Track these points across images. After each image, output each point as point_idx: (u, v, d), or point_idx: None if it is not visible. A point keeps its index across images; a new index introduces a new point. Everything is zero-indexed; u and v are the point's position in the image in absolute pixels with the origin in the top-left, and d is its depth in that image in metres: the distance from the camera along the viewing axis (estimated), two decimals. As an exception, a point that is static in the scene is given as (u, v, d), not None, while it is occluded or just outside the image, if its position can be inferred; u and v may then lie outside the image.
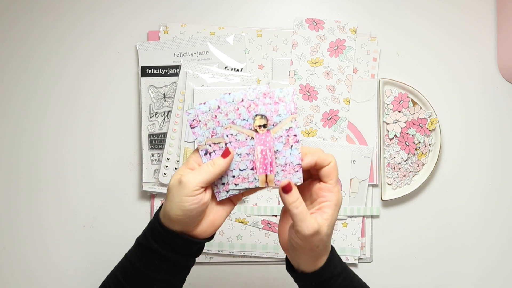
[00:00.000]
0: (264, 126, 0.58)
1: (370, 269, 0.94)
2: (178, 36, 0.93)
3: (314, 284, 0.61)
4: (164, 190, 0.91)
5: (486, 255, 0.96)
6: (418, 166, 0.94)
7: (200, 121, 0.59)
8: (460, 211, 0.96)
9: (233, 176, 0.59)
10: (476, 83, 0.97)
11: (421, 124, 0.94)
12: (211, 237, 0.62)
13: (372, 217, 0.94)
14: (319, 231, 0.56)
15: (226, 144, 0.59)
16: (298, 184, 0.58)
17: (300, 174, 0.59)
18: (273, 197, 0.92)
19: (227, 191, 0.60)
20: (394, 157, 0.94)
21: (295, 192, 0.57)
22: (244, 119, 0.58)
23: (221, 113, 0.58)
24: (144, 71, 0.92)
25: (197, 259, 0.93)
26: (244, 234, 0.92)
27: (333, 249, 0.62)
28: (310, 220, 0.56)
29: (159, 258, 0.59)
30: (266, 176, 0.59)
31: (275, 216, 0.92)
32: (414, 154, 0.94)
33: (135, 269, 0.60)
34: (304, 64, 0.93)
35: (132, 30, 0.94)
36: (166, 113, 0.92)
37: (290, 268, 0.63)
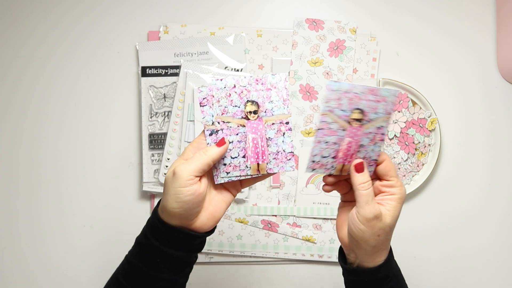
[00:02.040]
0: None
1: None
2: (178, 36, 0.93)
3: (368, 280, 0.61)
4: (164, 190, 0.91)
5: (485, 255, 0.96)
6: (418, 166, 0.94)
7: (209, 100, 0.58)
8: (460, 211, 0.96)
9: (225, 164, 0.59)
10: (475, 83, 0.97)
11: (420, 124, 0.94)
12: (211, 231, 0.61)
13: (372, 217, 0.94)
14: (381, 217, 0.57)
15: (318, 129, 0.57)
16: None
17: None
18: (273, 197, 0.92)
19: (245, 175, 0.59)
20: (394, 157, 0.94)
21: (366, 174, 0.59)
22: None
23: (235, 92, 0.58)
24: (144, 71, 0.92)
25: (197, 259, 0.93)
26: (244, 234, 0.92)
27: (391, 250, 0.63)
28: (375, 204, 0.57)
29: (160, 255, 0.58)
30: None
31: (275, 216, 0.92)
32: (414, 154, 0.94)
33: (137, 270, 0.59)
34: (304, 64, 0.93)
35: (132, 30, 0.94)
36: (166, 113, 0.92)
37: (343, 260, 0.63)
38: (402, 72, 0.95)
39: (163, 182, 0.59)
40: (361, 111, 0.57)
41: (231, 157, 0.59)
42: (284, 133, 0.59)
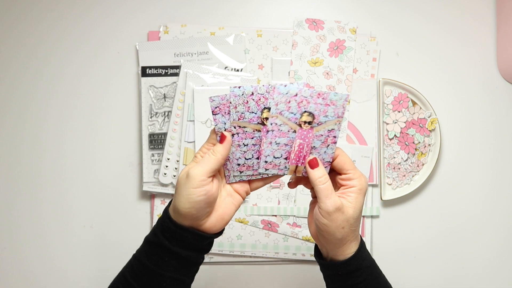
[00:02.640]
0: (309, 123, 0.60)
1: (370, 269, 0.94)
2: (178, 36, 0.93)
3: (341, 273, 0.62)
4: (164, 190, 0.91)
5: (485, 255, 0.96)
6: (417, 166, 0.94)
7: (221, 109, 0.60)
8: (460, 211, 0.96)
9: (238, 165, 0.61)
10: (475, 83, 0.97)
11: (420, 124, 0.94)
12: (220, 232, 0.63)
13: (372, 217, 0.94)
14: (343, 209, 0.59)
15: (267, 131, 0.60)
16: None
17: (328, 169, 0.63)
18: (273, 197, 0.92)
19: (257, 175, 0.62)
20: (394, 157, 0.94)
21: (321, 169, 0.60)
22: (292, 113, 0.60)
23: (253, 99, 0.59)
24: (144, 71, 0.92)
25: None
26: (244, 234, 0.92)
27: (362, 242, 0.64)
28: (334, 197, 0.59)
29: (169, 254, 0.59)
30: (296, 166, 0.62)
31: (275, 216, 0.92)
32: (414, 154, 0.94)
33: (145, 268, 0.60)
34: (304, 64, 0.93)
35: (132, 30, 0.94)
36: (166, 113, 0.92)
37: (319, 256, 0.65)
38: (402, 72, 0.95)
39: (175, 183, 0.60)
40: (310, 114, 0.60)
41: (245, 158, 0.61)
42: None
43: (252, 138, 0.60)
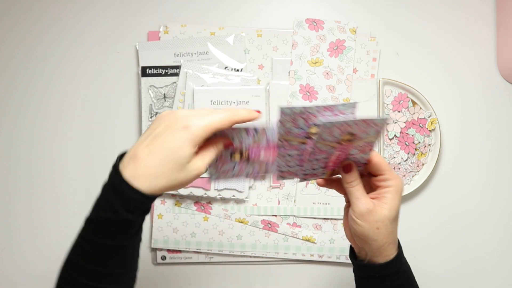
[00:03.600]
0: (350, 140, 0.60)
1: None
2: (178, 36, 0.93)
3: (378, 275, 0.62)
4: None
5: (485, 255, 0.96)
6: (418, 166, 0.94)
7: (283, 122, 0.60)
8: (460, 210, 0.96)
9: (281, 171, 0.63)
10: (476, 83, 0.97)
11: (420, 124, 0.94)
12: None
13: (372, 217, 0.94)
14: (376, 210, 0.59)
15: (282, 147, 0.60)
16: None
17: (362, 169, 0.63)
18: (273, 197, 0.92)
19: (300, 180, 0.65)
20: (394, 157, 0.94)
21: (354, 173, 0.61)
22: (333, 136, 0.59)
23: (302, 117, 0.59)
24: (144, 71, 0.92)
25: (197, 259, 0.93)
26: (244, 234, 0.92)
27: (401, 247, 0.63)
28: (366, 199, 0.60)
29: (132, 225, 0.56)
30: (334, 170, 0.63)
31: (275, 216, 0.92)
32: (414, 154, 0.94)
33: (104, 247, 0.56)
34: (304, 64, 0.93)
35: (132, 30, 0.94)
36: (166, 113, 0.92)
37: (354, 257, 0.65)
38: (402, 72, 0.95)
39: (171, 159, 0.55)
40: (352, 134, 0.59)
41: (288, 166, 0.62)
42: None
43: (297, 149, 0.61)
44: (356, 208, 0.60)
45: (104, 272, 0.57)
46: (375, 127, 0.59)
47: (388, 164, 0.62)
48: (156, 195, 0.55)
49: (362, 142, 0.60)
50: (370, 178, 0.63)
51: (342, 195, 0.66)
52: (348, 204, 0.65)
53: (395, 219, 0.61)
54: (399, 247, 0.63)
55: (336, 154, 0.61)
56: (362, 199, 0.60)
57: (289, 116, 0.58)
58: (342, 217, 0.92)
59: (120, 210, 0.54)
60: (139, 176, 0.54)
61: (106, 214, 0.56)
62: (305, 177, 0.64)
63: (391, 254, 0.61)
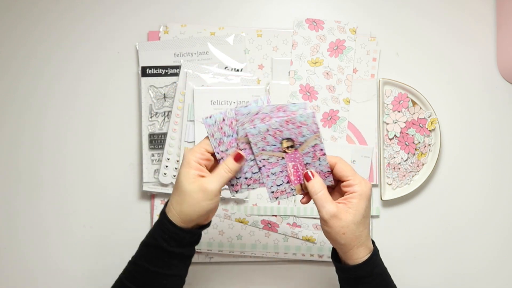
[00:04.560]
0: (292, 146, 0.64)
1: (370, 269, 0.94)
2: (178, 36, 0.93)
3: (353, 277, 0.65)
4: (164, 190, 0.91)
5: (486, 254, 0.96)
6: (418, 166, 0.94)
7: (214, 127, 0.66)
8: (460, 211, 0.96)
9: (272, 192, 0.68)
10: (476, 83, 0.97)
11: (420, 124, 0.94)
12: (209, 223, 0.68)
13: (372, 217, 0.94)
14: (339, 216, 0.62)
15: (259, 168, 0.66)
16: (330, 185, 0.67)
17: (331, 178, 0.67)
18: (273, 197, 0.92)
19: (271, 198, 0.68)
20: (394, 157, 0.94)
21: (315, 180, 0.64)
22: (272, 145, 0.64)
23: (270, 134, 0.64)
24: (144, 71, 0.92)
25: (197, 259, 0.93)
26: (244, 234, 0.92)
27: (376, 250, 0.66)
28: (330, 205, 0.63)
29: (168, 255, 0.63)
30: (301, 184, 0.67)
31: (275, 216, 0.92)
32: (414, 154, 0.94)
33: (144, 270, 0.64)
34: (304, 64, 0.93)
35: (132, 30, 0.94)
36: (166, 113, 0.92)
37: (336, 258, 0.68)
38: (402, 72, 0.95)
39: (179, 191, 0.64)
40: (288, 139, 0.64)
41: (277, 185, 0.67)
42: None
43: (278, 166, 0.66)
44: (321, 215, 0.63)
45: None
46: (304, 126, 0.63)
47: (353, 169, 0.65)
48: (186, 227, 0.65)
49: (306, 147, 0.64)
50: (338, 184, 0.67)
51: None
52: None
53: (361, 223, 0.63)
54: (374, 251, 0.65)
55: (291, 166, 0.65)
56: (326, 206, 0.62)
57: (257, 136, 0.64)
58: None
59: (157, 237, 0.65)
60: None
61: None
62: (275, 195, 0.68)
63: (362, 257, 0.64)
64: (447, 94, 0.96)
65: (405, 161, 0.94)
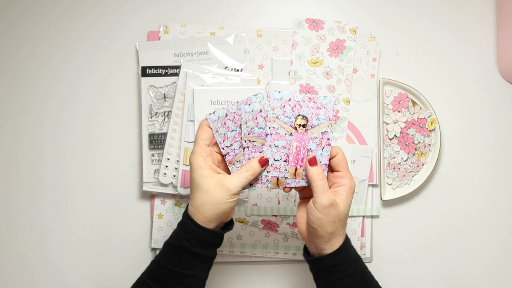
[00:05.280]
0: (304, 126, 0.65)
1: (370, 269, 0.94)
2: (178, 36, 0.93)
3: (329, 267, 0.66)
4: (164, 190, 0.90)
5: (486, 255, 0.96)
6: (418, 166, 0.94)
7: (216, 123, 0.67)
8: (460, 211, 0.96)
9: (269, 165, 0.67)
10: (476, 83, 0.97)
11: (421, 124, 0.94)
12: (232, 224, 0.71)
13: (372, 217, 0.94)
14: (336, 205, 0.64)
15: (266, 135, 0.66)
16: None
17: (326, 171, 0.68)
18: (273, 197, 0.92)
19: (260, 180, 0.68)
20: (394, 157, 0.94)
21: (319, 166, 0.66)
22: (287, 117, 0.65)
23: (289, 105, 0.65)
24: (144, 71, 0.92)
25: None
26: (244, 234, 0.92)
27: (348, 238, 0.69)
28: (330, 193, 0.65)
29: (190, 255, 0.65)
30: (296, 169, 0.67)
31: (275, 216, 0.92)
32: (414, 154, 0.94)
33: (166, 270, 0.65)
34: (304, 64, 0.93)
35: (132, 30, 0.94)
36: (166, 113, 0.92)
37: (308, 255, 0.70)
38: (402, 72, 0.95)
39: (199, 189, 0.65)
40: (304, 117, 0.65)
41: (274, 159, 0.66)
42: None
43: (283, 140, 0.66)
44: (320, 201, 0.64)
45: None
46: (323, 109, 0.65)
47: (347, 164, 0.68)
48: (209, 227, 0.67)
49: (316, 131, 0.65)
50: (328, 174, 0.69)
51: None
52: (303, 201, 0.71)
53: (347, 214, 0.67)
54: (347, 238, 0.68)
55: (294, 146, 0.66)
56: (327, 193, 0.64)
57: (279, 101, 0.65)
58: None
59: (180, 237, 0.68)
60: None
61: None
62: (268, 171, 0.67)
63: (338, 244, 0.66)
64: (447, 94, 0.96)
65: (405, 161, 0.94)
